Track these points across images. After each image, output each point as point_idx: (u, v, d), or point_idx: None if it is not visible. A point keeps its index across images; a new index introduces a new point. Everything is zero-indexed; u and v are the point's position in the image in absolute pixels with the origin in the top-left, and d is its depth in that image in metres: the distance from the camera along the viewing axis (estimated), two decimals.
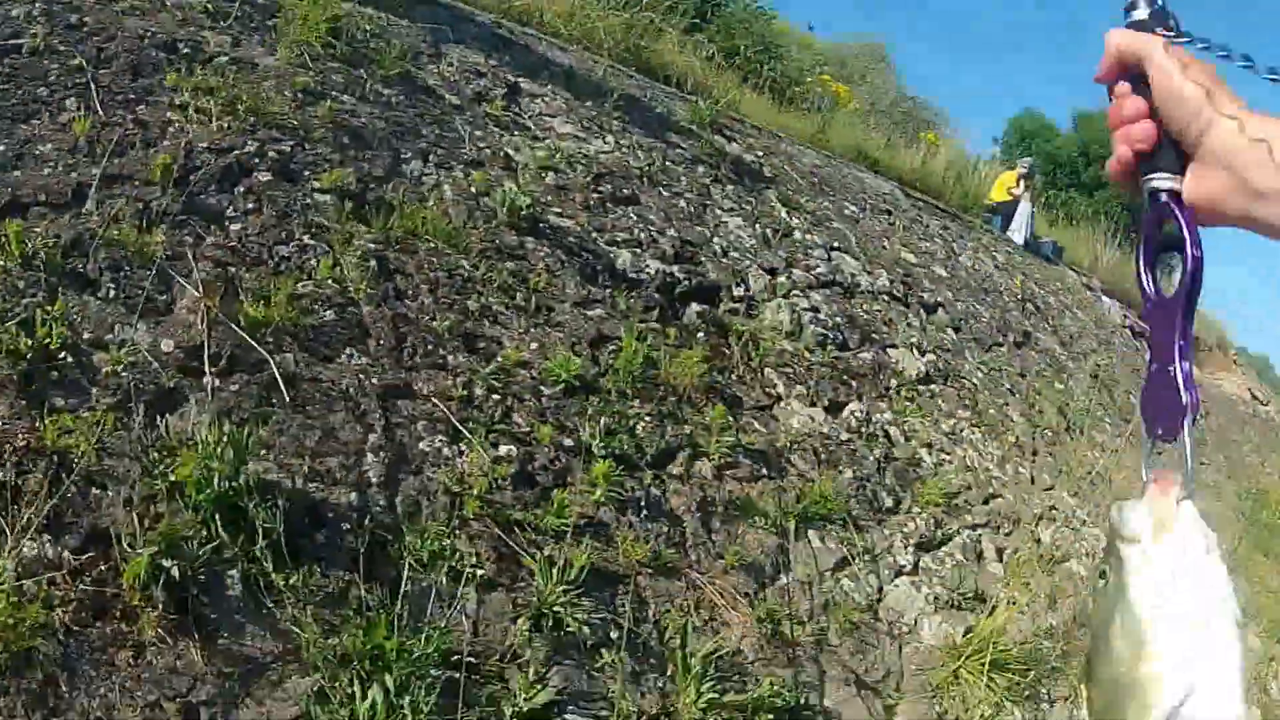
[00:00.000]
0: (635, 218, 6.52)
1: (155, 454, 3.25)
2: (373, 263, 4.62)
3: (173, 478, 3.15)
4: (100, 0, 5.27)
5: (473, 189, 5.66)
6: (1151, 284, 1.14)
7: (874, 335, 7.39)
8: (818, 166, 10.45)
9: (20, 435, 3.10)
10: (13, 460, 3.03)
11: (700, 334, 5.84)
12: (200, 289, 3.90)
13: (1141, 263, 1.17)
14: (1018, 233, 15.13)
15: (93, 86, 4.64)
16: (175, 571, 2.92)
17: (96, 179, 4.13)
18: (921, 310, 8.60)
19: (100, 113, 4.54)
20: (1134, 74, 1.14)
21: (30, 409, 3.19)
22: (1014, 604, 5.31)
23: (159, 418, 3.40)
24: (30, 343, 3.33)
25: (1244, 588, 8.86)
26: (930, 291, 9.12)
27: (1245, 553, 9.49)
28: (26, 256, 3.63)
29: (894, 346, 7.48)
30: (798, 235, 8.06)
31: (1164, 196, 1.13)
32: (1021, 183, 15.70)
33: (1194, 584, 0.96)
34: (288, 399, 3.76)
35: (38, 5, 4.94)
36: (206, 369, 3.66)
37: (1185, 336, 1.08)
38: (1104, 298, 15.75)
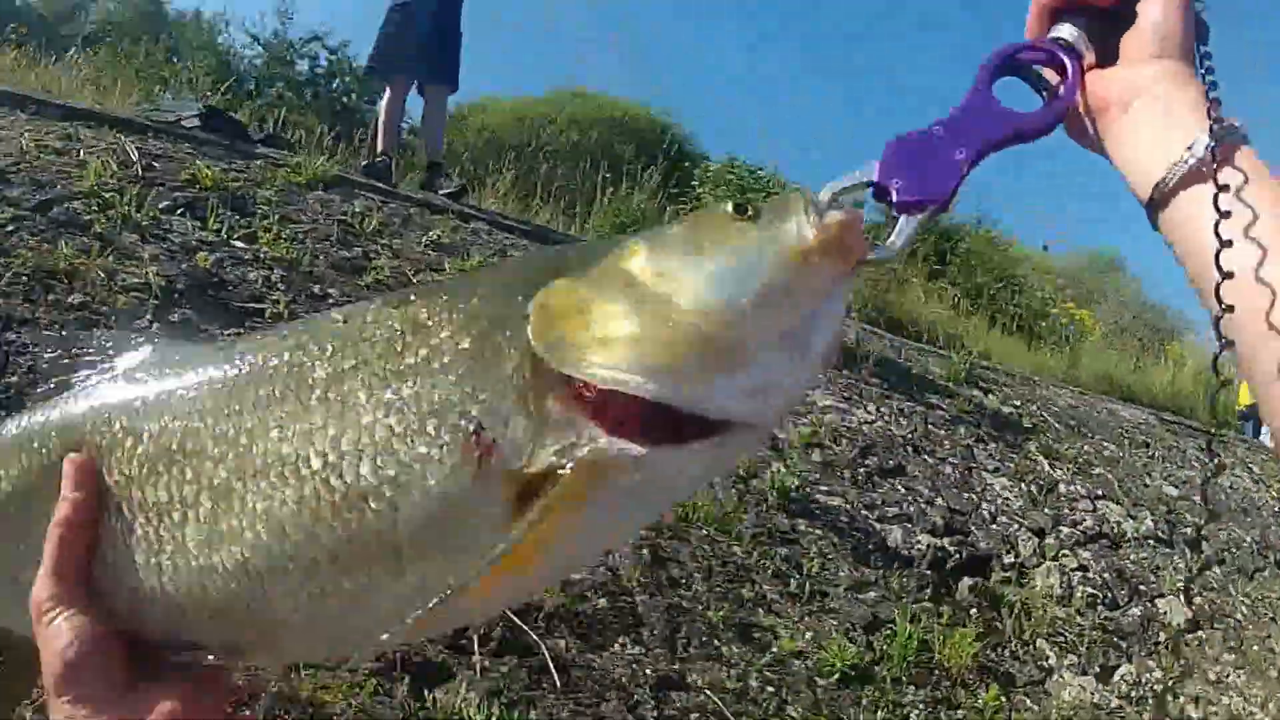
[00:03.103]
0: (903, 490, 6.80)
1: None
2: (645, 551, 4.74)
3: None
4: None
5: (741, 470, 5.82)
6: (988, 84, 1.07)
7: (1141, 587, 7.39)
8: (1073, 406, 10.57)
9: (274, 682, 3.19)
10: None
11: (973, 610, 5.97)
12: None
13: (995, 58, 1.09)
14: (1270, 438, 14.64)
15: None
16: None
17: None
18: (1186, 549, 8.46)
19: None
20: None
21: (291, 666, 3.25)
22: None
23: (425, 690, 3.50)
24: None
25: None
26: (1193, 526, 8.93)
27: None
28: None
29: (1161, 596, 7.45)
30: (1062, 488, 8.19)
31: (1065, 41, 1.10)
32: None
33: None
34: (559, 684, 3.80)
35: (276, 272, 5.66)
36: (475, 649, 3.75)
37: (985, 149, 1.01)
38: None
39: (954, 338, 10.78)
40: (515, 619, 3.95)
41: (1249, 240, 0.91)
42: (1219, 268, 0.91)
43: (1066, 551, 7.28)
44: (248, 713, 2.44)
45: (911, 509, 6.64)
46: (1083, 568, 7.19)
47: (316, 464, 0.85)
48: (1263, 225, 0.91)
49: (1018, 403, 9.69)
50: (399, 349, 0.87)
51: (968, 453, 8.03)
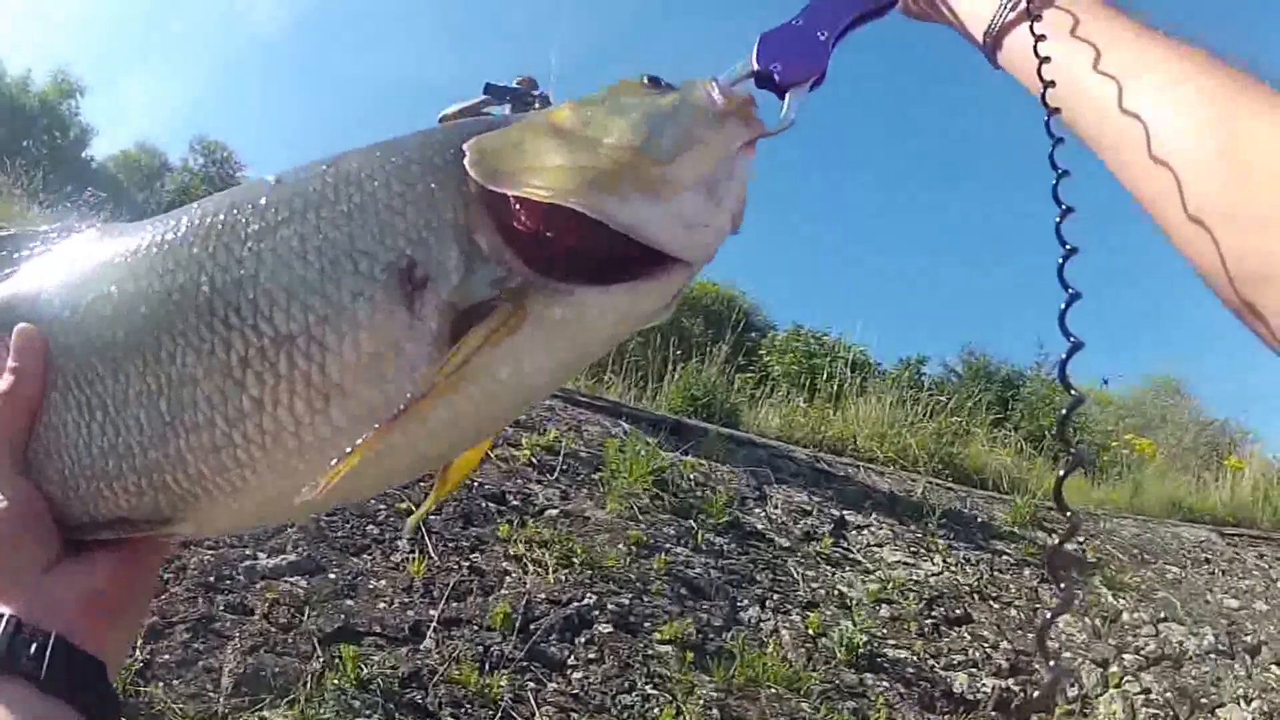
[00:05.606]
0: (969, 637, 7.05)
1: None
2: (715, 711, 4.72)
3: None
4: None
5: (810, 631, 5.92)
6: None
7: (1203, 700, 7.58)
8: (1137, 535, 10.76)
9: None
10: None
11: None
12: None
13: None
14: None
15: (423, 530, 5.01)
16: None
17: (435, 619, 4.43)
18: (1246, 656, 8.62)
19: (435, 557, 4.88)
20: None
21: None
22: None
23: None
24: None
25: None
26: (1252, 633, 9.11)
27: None
28: (362, 680, 3.86)
29: (1222, 705, 7.64)
30: (1125, 617, 8.43)
31: None
32: None
33: None
34: None
35: None
36: None
37: (843, 28, 1.07)
38: None
39: (1019, 482, 10.90)
40: None
41: (1100, 74, 0.92)
42: (1045, 103, 0.94)
43: (1129, 678, 7.57)
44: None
45: (977, 654, 6.92)
46: (1145, 691, 7.47)
47: (246, 311, 0.85)
48: (1112, 58, 0.92)
49: (1081, 539, 9.85)
50: (331, 198, 0.88)
51: (1033, 594, 8.31)
